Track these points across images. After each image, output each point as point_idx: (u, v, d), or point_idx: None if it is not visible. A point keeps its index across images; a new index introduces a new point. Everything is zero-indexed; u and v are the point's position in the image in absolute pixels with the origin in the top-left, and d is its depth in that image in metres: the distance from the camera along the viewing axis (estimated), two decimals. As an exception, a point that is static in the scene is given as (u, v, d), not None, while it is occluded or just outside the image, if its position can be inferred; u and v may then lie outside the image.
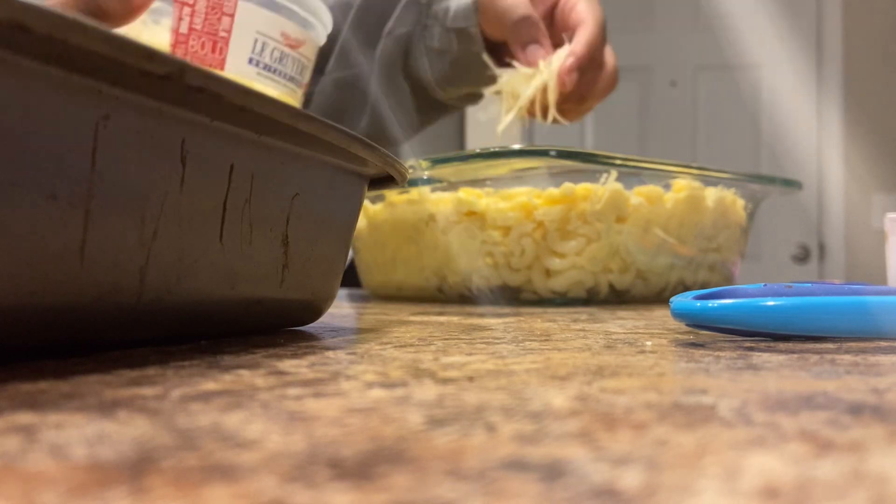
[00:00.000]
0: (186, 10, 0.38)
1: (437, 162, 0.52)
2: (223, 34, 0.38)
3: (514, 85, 0.56)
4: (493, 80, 0.58)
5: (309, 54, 0.43)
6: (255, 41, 0.39)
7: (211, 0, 0.38)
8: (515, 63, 0.57)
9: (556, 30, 0.59)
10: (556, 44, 0.58)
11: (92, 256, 0.18)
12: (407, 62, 0.63)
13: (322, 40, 0.45)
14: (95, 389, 0.15)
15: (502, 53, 0.59)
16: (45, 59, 0.16)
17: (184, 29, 0.38)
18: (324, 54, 0.63)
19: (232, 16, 0.39)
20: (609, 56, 0.59)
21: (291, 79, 0.42)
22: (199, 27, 0.38)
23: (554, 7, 0.59)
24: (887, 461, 0.10)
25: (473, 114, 2.11)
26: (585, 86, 0.58)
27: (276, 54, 0.40)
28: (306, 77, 0.44)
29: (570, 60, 0.55)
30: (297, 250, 0.26)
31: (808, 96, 2.18)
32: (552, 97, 0.55)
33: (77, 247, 0.17)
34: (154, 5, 0.37)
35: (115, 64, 0.16)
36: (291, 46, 0.41)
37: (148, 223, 0.19)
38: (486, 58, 0.58)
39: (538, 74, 0.55)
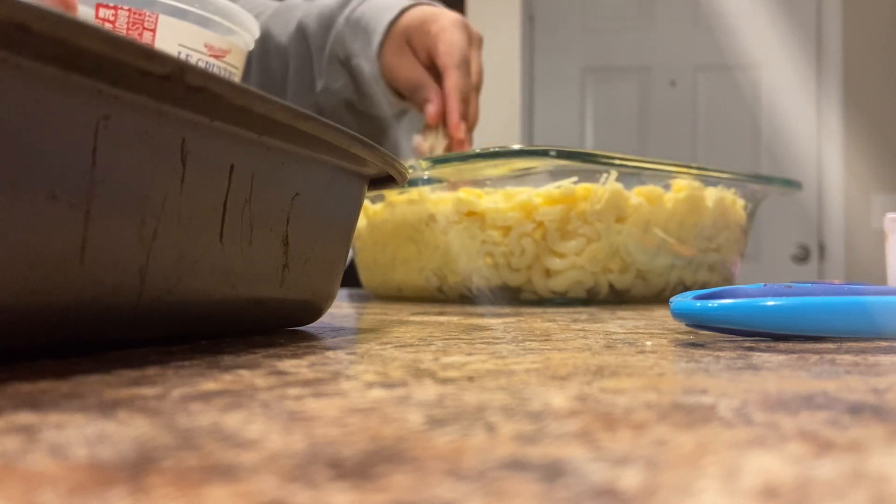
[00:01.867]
0: (107, 26, 0.38)
1: (437, 162, 0.52)
2: None
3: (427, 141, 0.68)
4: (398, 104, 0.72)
5: (236, 62, 0.43)
6: (179, 54, 0.39)
7: (131, 16, 0.38)
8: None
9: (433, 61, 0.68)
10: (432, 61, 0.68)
11: (92, 256, 0.18)
12: (348, 103, 0.75)
13: (249, 46, 0.45)
14: (95, 389, 0.15)
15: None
16: (45, 59, 0.16)
17: None
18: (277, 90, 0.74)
19: (153, 30, 0.38)
20: (475, 70, 0.68)
21: None
22: None
23: (428, 42, 0.68)
24: (887, 461, 0.10)
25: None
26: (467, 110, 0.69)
27: (201, 65, 0.40)
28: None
29: (453, 123, 0.65)
30: (297, 250, 0.26)
31: (808, 96, 2.18)
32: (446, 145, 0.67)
33: (77, 247, 0.17)
34: None
35: (115, 64, 0.16)
36: (216, 56, 0.41)
37: (148, 223, 0.19)
38: (396, 101, 0.72)
39: (436, 137, 0.67)
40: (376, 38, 0.67)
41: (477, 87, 0.68)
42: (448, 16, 0.67)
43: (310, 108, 0.74)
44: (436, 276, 0.55)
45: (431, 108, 0.64)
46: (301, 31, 0.74)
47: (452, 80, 0.65)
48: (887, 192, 2.12)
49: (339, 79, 0.72)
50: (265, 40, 0.74)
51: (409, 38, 0.67)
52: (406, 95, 0.69)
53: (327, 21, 0.72)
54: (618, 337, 0.27)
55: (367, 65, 0.69)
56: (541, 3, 2.26)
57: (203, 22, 0.40)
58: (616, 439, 0.11)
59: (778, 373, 0.18)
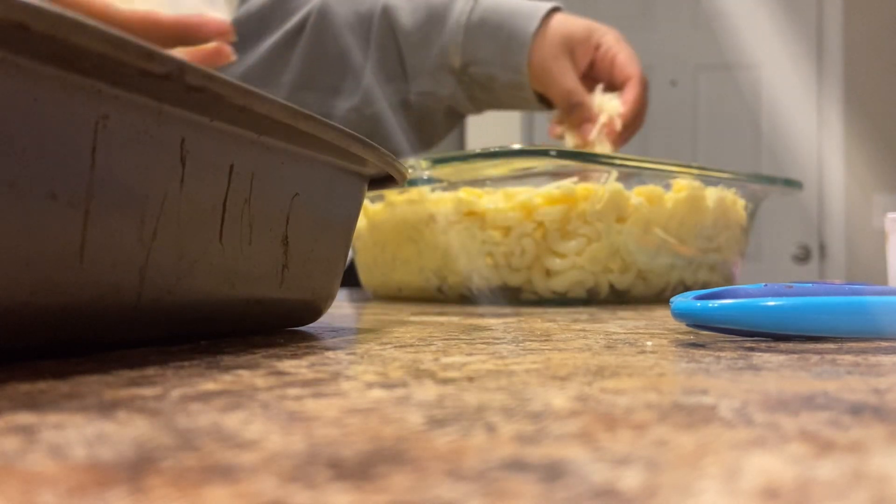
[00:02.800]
0: None
1: (437, 162, 0.52)
2: None
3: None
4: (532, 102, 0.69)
5: None
6: None
7: None
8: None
9: (596, 74, 0.67)
10: (594, 83, 0.66)
11: (92, 256, 0.18)
12: (448, 108, 0.72)
13: None
14: (95, 389, 0.15)
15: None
16: (44, 59, 0.16)
17: None
18: (339, 79, 0.71)
19: None
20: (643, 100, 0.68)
21: None
22: None
23: (595, 55, 0.66)
24: (888, 461, 0.10)
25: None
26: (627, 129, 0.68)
27: None
28: None
29: (619, 123, 0.65)
30: (297, 250, 0.26)
31: (809, 96, 2.18)
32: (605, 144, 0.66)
33: (77, 247, 0.17)
34: None
35: (114, 64, 0.16)
36: None
37: (148, 223, 0.19)
38: (538, 104, 0.69)
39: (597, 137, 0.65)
40: (523, 47, 0.64)
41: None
42: (608, 29, 0.67)
43: (395, 101, 0.71)
44: (436, 276, 0.55)
45: (588, 128, 0.63)
46: (387, 21, 0.69)
47: (637, 93, 0.65)
48: (888, 191, 2.12)
49: (448, 87, 0.69)
50: (324, 16, 0.70)
51: (572, 48, 0.65)
52: (555, 104, 0.66)
53: (428, 22, 0.68)
54: (618, 337, 0.27)
55: (505, 73, 0.65)
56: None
57: None
58: (616, 440, 0.11)
59: (779, 373, 0.18)
